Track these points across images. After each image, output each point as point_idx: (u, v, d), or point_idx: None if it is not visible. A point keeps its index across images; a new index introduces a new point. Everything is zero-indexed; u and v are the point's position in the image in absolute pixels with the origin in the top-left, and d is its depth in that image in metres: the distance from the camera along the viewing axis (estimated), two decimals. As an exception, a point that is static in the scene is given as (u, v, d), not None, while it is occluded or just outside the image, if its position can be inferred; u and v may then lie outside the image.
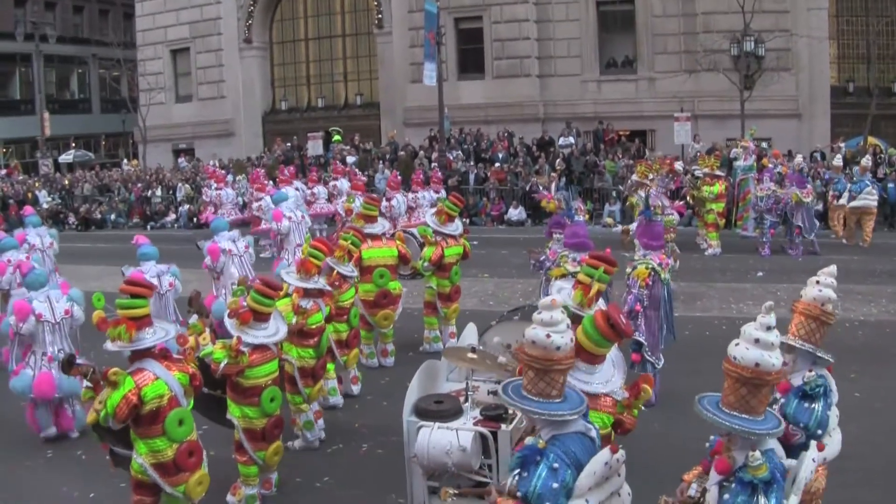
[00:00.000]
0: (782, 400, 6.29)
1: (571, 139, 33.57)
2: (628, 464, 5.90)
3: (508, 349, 9.20)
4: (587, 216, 25.60)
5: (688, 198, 23.28)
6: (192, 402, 7.86)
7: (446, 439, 7.77)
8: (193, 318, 9.38)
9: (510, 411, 8.14)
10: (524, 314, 10.17)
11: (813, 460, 5.54)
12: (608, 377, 6.40)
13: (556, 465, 5.30)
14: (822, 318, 6.40)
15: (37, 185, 39.92)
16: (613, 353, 6.61)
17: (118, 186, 38.74)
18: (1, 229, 21.12)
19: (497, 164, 32.06)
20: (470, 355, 8.60)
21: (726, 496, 5.15)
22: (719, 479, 5.22)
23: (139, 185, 37.82)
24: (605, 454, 5.48)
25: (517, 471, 5.43)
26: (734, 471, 5.16)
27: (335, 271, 11.89)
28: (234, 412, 8.97)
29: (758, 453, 5.03)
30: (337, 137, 38.02)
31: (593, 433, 5.65)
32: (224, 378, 8.71)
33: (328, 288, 10.79)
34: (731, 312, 16.36)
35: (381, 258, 13.43)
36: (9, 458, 10.82)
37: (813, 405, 6.26)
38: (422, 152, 34.36)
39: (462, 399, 8.51)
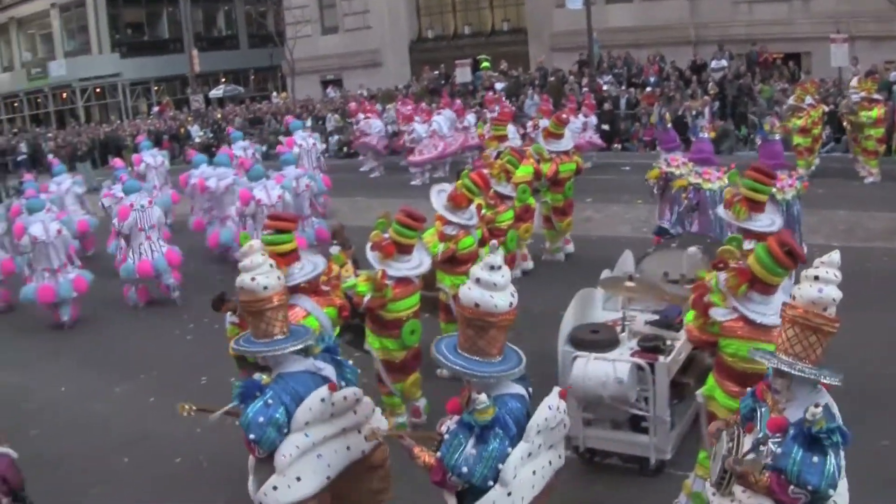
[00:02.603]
0: (774, 444, 4.94)
1: (724, 62, 32.24)
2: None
3: (667, 277, 8.94)
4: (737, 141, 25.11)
5: (844, 123, 22.23)
6: (338, 329, 7.84)
7: (602, 370, 7.58)
8: (335, 250, 9.37)
9: (668, 342, 7.92)
10: (682, 242, 9.87)
11: (549, 407, 5.27)
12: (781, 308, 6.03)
13: (270, 401, 5.71)
14: (824, 328, 4.98)
15: (189, 120, 41.00)
16: (785, 281, 6.29)
17: (269, 118, 39.30)
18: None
19: (648, 89, 31.14)
20: (627, 284, 8.35)
21: (447, 436, 5.18)
22: (457, 418, 5.23)
23: (289, 116, 38.26)
24: (322, 391, 5.79)
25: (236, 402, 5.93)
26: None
27: (492, 190, 11.83)
28: (372, 343, 8.96)
29: (483, 396, 4.99)
30: (486, 64, 37.59)
31: (326, 372, 5.97)
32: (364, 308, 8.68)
33: (471, 223, 10.51)
34: (894, 243, 15.50)
35: (522, 175, 13.65)
36: (168, 387, 11.39)
37: (825, 458, 4.76)
38: (571, 77, 33.67)
39: (619, 329, 8.31)
